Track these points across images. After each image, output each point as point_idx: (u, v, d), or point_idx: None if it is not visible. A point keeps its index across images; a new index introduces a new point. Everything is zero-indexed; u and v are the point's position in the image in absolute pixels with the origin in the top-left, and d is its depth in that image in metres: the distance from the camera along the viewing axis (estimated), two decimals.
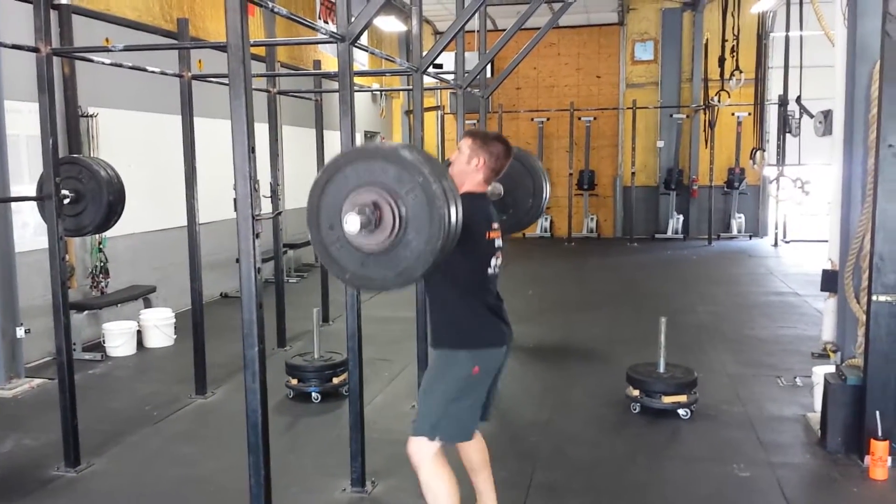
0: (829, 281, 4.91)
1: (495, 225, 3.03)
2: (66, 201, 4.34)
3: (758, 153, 12.34)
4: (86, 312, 6.82)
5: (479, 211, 2.98)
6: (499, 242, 3.05)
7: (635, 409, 5.06)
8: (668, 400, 4.95)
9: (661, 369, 5.11)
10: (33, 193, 4.46)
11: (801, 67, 9.98)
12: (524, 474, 4.09)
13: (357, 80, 12.35)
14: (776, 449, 4.50)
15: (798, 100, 10.09)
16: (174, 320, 7.18)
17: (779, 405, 5.25)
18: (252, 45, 3.08)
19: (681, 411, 4.94)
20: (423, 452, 2.99)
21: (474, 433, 3.14)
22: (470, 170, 3.04)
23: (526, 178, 4.55)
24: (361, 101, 14.17)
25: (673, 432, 4.80)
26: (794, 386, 5.57)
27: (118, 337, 6.75)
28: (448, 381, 2.98)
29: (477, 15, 5.95)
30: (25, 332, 5.79)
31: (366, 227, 2.48)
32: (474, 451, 3.22)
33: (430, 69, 5.39)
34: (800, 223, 14.50)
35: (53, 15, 6.48)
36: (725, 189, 15.11)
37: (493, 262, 3.01)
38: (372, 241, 2.54)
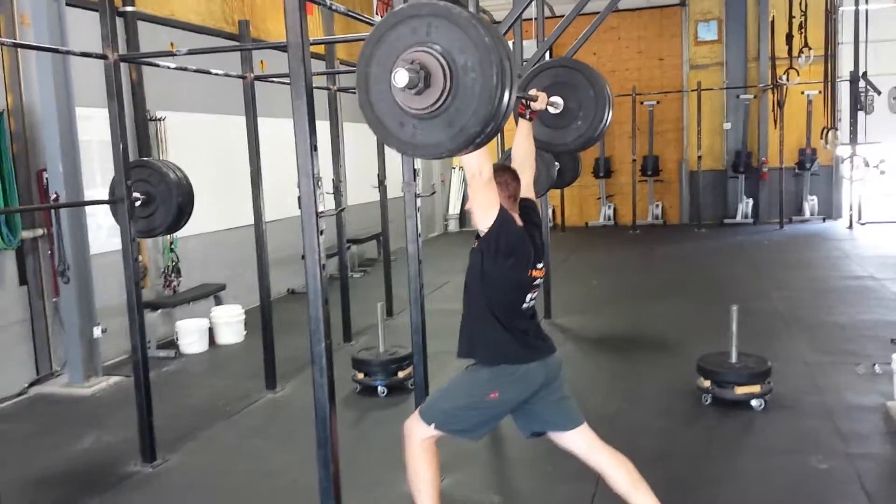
0: None
1: (539, 265, 3.04)
2: (138, 204, 4.45)
3: (829, 132, 11.93)
4: (159, 311, 7.02)
5: (525, 240, 2.98)
6: (538, 281, 3.06)
7: (707, 401, 4.95)
8: (740, 390, 4.82)
9: (734, 359, 4.97)
10: (106, 197, 4.59)
11: (866, 42, 9.58)
12: (586, 496, 4.03)
13: None
14: (855, 439, 4.34)
15: (864, 76, 9.69)
16: (244, 317, 7.33)
17: (857, 394, 5.07)
18: (311, 44, 3.11)
19: (754, 402, 4.81)
20: (417, 432, 3.05)
21: (481, 437, 3.26)
22: None
23: (580, 78, 4.46)
24: None
25: (747, 424, 4.68)
26: (874, 374, 5.34)
27: (190, 334, 6.92)
28: (465, 390, 3.04)
29: (534, 2, 5.89)
30: (102, 331, 5.98)
31: (413, 86, 2.22)
32: (618, 472, 3.07)
33: None
34: (876, 204, 13.94)
35: (120, 22, 6.67)
36: (797, 170, 14.60)
37: (528, 296, 3.03)
38: (424, 102, 2.27)
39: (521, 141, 3.35)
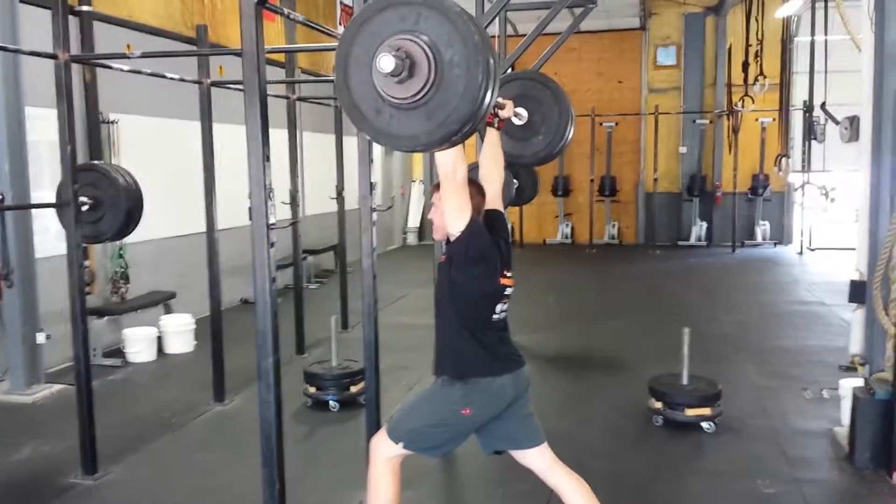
0: (857, 292, 4.79)
1: (508, 273, 3.01)
2: (85, 208, 4.34)
3: (783, 159, 12.19)
4: (106, 318, 6.84)
5: (493, 248, 2.94)
6: (509, 291, 3.03)
7: (658, 422, 4.97)
8: (691, 412, 4.86)
9: (685, 381, 5.01)
10: (53, 199, 4.46)
11: (825, 72, 9.83)
12: (544, 487, 4.00)
13: None
14: (802, 464, 4.39)
15: (823, 106, 9.93)
16: (194, 326, 7.19)
17: (805, 419, 5.14)
18: (269, 52, 3.06)
19: (704, 424, 4.85)
20: (382, 450, 2.99)
21: (446, 455, 3.28)
22: None
23: (547, 94, 4.47)
24: None
25: (696, 446, 4.71)
26: (821, 399, 5.44)
27: (138, 343, 6.76)
28: (436, 406, 2.97)
29: (497, 20, 5.90)
30: (46, 337, 5.81)
31: (397, 74, 2.17)
32: (575, 493, 3.06)
33: None
34: (826, 231, 14.26)
35: (74, 22, 6.53)
36: (749, 196, 14.89)
37: (498, 307, 2.99)
38: (405, 92, 2.22)
39: (489, 150, 3.29)
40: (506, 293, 3.00)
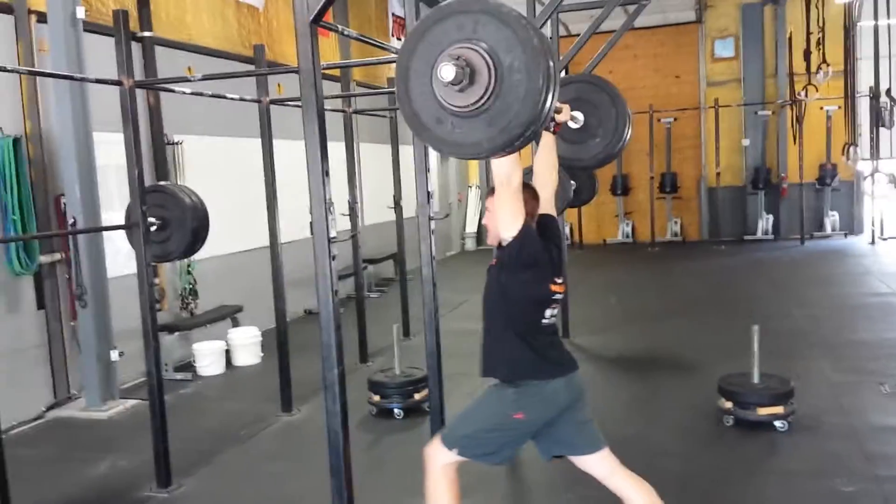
0: None
1: (559, 280, 2.99)
2: (153, 229, 4.47)
3: (850, 148, 11.80)
4: (176, 334, 7.03)
5: (545, 254, 2.93)
6: (559, 296, 3.00)
7: (728, 422, 4.87)
8: (763, 412, 4.74)
9: (755, 379, 4.90)
10: (123, 220, 4.61)
11: (889, 57, 9.49)
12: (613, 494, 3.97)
13: None
14: (882, 461, 4.25)
15: (888, 92, 9.60)
16: (261, 338, 7.34)
17: (883, 414, 4.97)
18: (325, 69, 3.11)
19: (777, 423, 4.72)
20: (438, 458, 2.98)
21: (505, 463, 3.13)
22: None
23: (603, 96, 4.45)
24: None
25: (769, 446, 4.59)
26: None
27: (207, 356, 6.93)
28: (490, 411, 2.98)
29: (549, 22, 5.88)
30: (119, 354, 6.00)
31: (458, 83, 2.17)
32: (640, 498, 3.03)
33: None
34: None
35: (137, 47, 6.74)
36: (817, 186, 14.48)
37: (548, 312, 2.97)
38: (466, 100, 2.22)
39: (545, 154, 3.27)
40: (555, 298, 2.99)
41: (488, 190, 2.99)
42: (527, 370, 2.92)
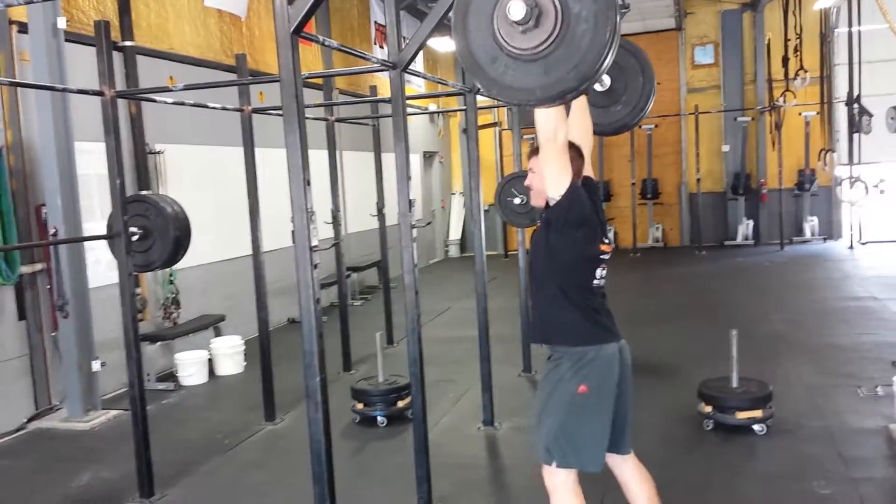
0: None
1: (606, 240, 2.93)
2: (135, 238, 4.47)
3: (827, 154, 11.96)
4: (158, 343, 7.00)
5: (594, 212, 2.88)
6: (606, 255, 2.93)
7: (708, 426, 4.92)
8: (742, 415, 4.80)
9: (734, 383, 4.95)
10: (104, 230, 4.61)
11: (859, 63, 9.62)
12: (594, 496, 3.99)
13: (414, 101, 12.49)
14: (858, 464, 4.31)
15: (858, 99, 9.74)
16: (244, 347, 7.33)
17: (860, 417, 5.04)
18: (306, 78, 3.14)
19: (756, 427, 4.78)
20: (554, 480, 2.88)
21: (603, 461, 2.93)
22: None
23: (633, 62, 4.26)
24: (419, 121, 14.29)
25: (749, 449, 4.64)
26: (876, 396, 5.33)
27: (190, 366, 6.91)
28: (558, 401, 2.86)
29: None
30: (101, 364, 5.98)
31: (525, 23, 2.09)
32: (633, 483, 3.06)
33: None
34: (876, 223, 13.94)
35: (118, 56, 6.74)
36: (796, 191, 14.65)
37: (598, 272, 2.90)
38: (528, 42, 2.15)
39: (580, 115, 3.17)
40: (604, 258, 2.92)
41: (531, 149, 2.93)
42: (581, 334, 2.85)
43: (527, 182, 3.02)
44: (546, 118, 2.56)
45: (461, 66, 2.31)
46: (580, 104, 3.19)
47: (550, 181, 2.74)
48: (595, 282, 2.90)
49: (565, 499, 2.87)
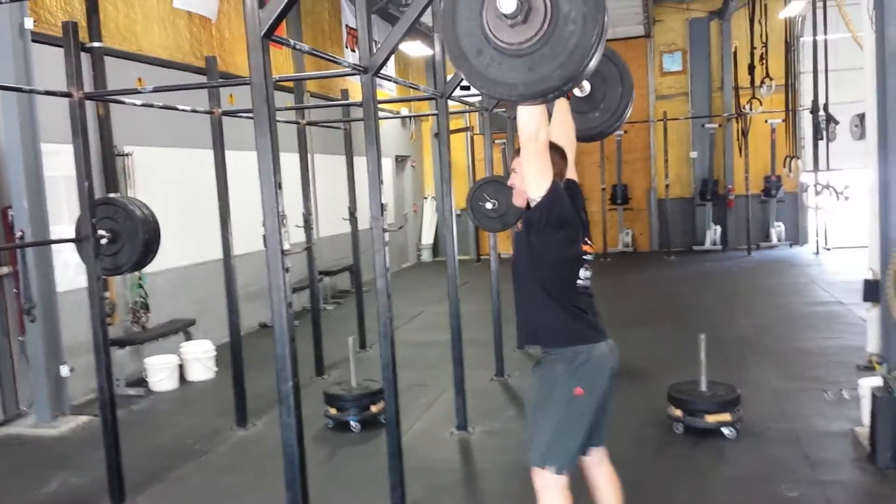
0: (871, 290, 4.80)
1: (589, 241, 2.96)
2: (103, 241, 4.42)
3: (792, 161, 12.15)
4: (128, 348, 6.91)
5: (575, 213, 2.89)
6: (589, 256, 2.96)
7: (678, 430, 4.97)
8: (711, 419, 4.86)
9: (704, 387, 5.01)
10: (72, 233, 4.55)
11: (826, 72, 9.79)
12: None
13: (386, 106, 12.49)
14: (825, 466, 4.38)
15: (825, 107, 9.91)
16: (214, 352, 7.26)
17: (826, 420, 5.12)
18: (278, 81, 3.13)
19: (725, 430, 4.84)
20: (545, 482, 2.89)
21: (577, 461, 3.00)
22: None
23: (611, 68, 4.29)
24: (391, 125, 14.28)
25: (718, 452, 4.70)
26: (842, 399, 5.43)
27: (160, 371, 6.83)
28: (554, 405, 2.87)
29: None
30: (70, 370, 5.89)
31: (514, 17, 2.09)
32: (604, 485, 3.11)
33: (457, 92, 5.41)
34: (841, 229, 14.18)
35: (86, 58, 6.66)
36: (763, 197, 14.88)
37: (582, 272, 2.92)
38: (515, 37, 2.16)
39: (562, 117, 3.20)
40: (587, 259, 2.93)
41: (514, 151, 2.95)
42: (570, 334, 2.86)
43: (509, 182, 3.02)
44: (529, 117, 2.56)
45: (448, 56, 2.27)
46: (563, 106, 3.21)
47: (531, 181, 2.74)
48: (579, 282, 2.91)
49: (555, 501, 2.88)
